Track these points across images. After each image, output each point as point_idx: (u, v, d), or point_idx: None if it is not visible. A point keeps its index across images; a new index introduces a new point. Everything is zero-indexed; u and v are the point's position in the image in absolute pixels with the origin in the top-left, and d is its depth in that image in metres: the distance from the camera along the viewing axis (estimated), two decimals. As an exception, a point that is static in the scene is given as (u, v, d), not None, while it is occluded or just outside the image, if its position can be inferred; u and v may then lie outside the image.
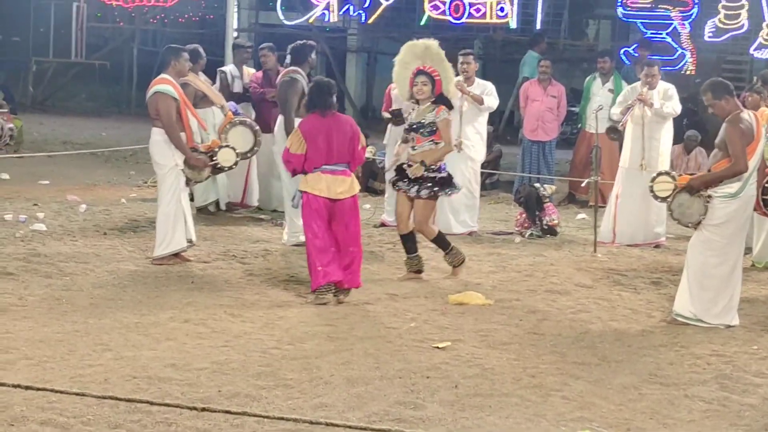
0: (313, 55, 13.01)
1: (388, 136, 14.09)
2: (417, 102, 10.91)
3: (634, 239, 13.25)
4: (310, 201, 9.79)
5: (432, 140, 10.76)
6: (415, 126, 10.81)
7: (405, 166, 10.87)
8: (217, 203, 14.34)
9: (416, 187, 10.73)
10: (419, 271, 11.02)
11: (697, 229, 9.47)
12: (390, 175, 11.39)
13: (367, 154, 16.28)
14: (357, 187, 9.95)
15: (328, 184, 9.77)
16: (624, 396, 7.42)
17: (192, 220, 11.37)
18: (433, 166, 10.75)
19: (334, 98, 10.02)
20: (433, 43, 11.09)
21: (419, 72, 10.83)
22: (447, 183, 10.87)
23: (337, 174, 9.81)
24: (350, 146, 9.88)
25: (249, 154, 12.45)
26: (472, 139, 13.53)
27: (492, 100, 13.72)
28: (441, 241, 11.09)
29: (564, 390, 7.47)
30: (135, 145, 18.81)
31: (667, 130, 13.37)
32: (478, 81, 13.75)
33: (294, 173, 10.13)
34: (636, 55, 17.48)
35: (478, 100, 13.38)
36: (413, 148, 10.82)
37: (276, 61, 14.19)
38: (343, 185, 9.81)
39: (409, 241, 11.01)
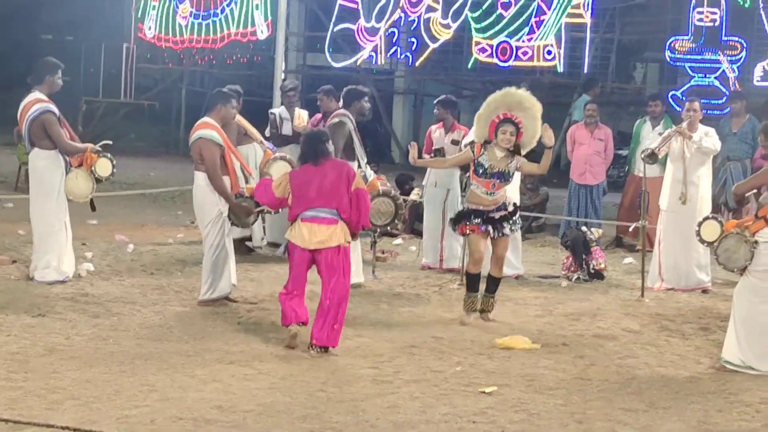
0: (364, 102, 12.86)
1: (427, 178, 14.15)
2: (488, 146, 10.88)
3: (678, 283, 13.17)
4: (291, 249, 9.64)
5: (508, 184, 11.08)
6: (499, 174, 10.80)
7: (483, 210, 10.88)
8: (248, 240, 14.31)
9: (508, 226, 10.89)
10: (475, 309, 11.02)
11: (743, 275, 9.43)
12: (452, 219, 11.32)
13: (413, 196, 16.37)
14: (341, 237, 9.46)
15: (307, 232, 9.43)
16: (672, 443, 7.36)
17: (234, 263, 11.39)
18: (506, 202, 10.99)
19: (326, 146, 9.71)
20: (528, 95, 10.99)
21: (507, 120, 10.77)
22: (515, 213, 11.08)
23: (319, 221, 9.44)
24: (337, 191, 9.49)
25: None
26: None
27: None
28: (498, 282, 11.16)
29: (611, 437, 7.42)
30: (183, 186, 18.91)
31: (707, 173, 13.31)
32: None
33: (259, 200, 10.18)
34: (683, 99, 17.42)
35: None
36: (492, 193, 10.85)
37: (330, 104, 14.06)
38: (323, 234, 9.41)
39: (478, 281, 11.03)
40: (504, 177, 10.85)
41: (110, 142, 12.28)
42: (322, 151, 9.66)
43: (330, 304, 9.42)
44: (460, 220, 11.05)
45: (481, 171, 10.87)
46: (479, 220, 10.88)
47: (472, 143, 11.23)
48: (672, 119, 15.88)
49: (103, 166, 11.86)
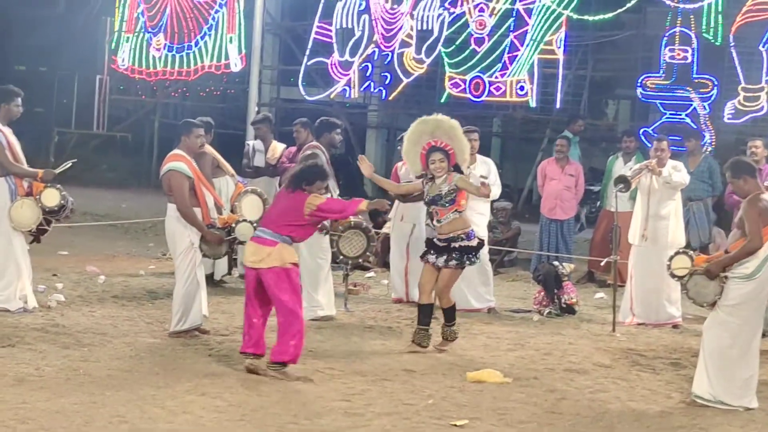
0: (335, 134, 12.97)
1: (394, 212, 14.26)
2: (432, 178, 10.98)
3: (649, 318, 13.22)
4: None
5: (455, 209, 10.91)
6: (435, 199, 10.90)
7: (435, 240, 11.00)
8: (212, 275, 14.19)
9: (444, 257, 10.86)
10: (424, 346, 11.04)
11: (713, 310, 9.46)
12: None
13: (386, 230, 16.38)
14: (277, 260, 9.63)
15: (247, 250, 9.86)
16: (643, 478, 7.36)
17: (205, 294, 11.38)
18: (462, 234, 10.90)
19: (308, 185, 9.83)
20: (444, 117, 11.14)
21: (433, 149, 10.94)
22: (474, 250, 10.98)
23: (258, 241, 9.74)
24: (283, 217, 9.76)
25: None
26: (475, 219, 13.31)
27: (496, 190, 13.57)
28: (452, 312, 11.19)
29: (582, 470, 7.41)
30: (154, 218, 18.88)
31: (676, 207, 13.38)
32: (480, 158, 13.75)
33: None
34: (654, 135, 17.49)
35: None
36: (438, 221, 10.91)
37: (307, 136, 14.03)
38: (258, 254, 9.66)
39: (427, 314, 11.06)
40: (438, 200, 10.89)
41: (74, 160, 12.21)
42: (299, 186, 9.84)
43: (279, 322, 9.68)
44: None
45: (424, 201, 11.09)
46: (426, 250, 11.05)
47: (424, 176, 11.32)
48: (644, 155, 15.94)
49: (49, 196, 11.76)
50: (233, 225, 11.27)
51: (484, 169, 13.54)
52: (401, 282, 14.04)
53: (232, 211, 12.21)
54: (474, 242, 11.05)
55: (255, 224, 11.31)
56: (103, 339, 10.72)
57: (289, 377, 9.52)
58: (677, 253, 10.10)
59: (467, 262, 11.04)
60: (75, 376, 9.24)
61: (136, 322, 11.67)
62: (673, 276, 10.03)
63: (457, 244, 10.92)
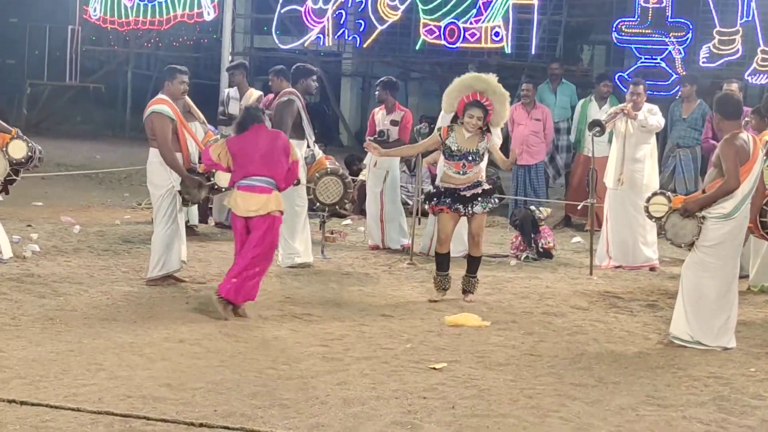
0: (311, 80, 12.90)
1: (368, 159, 14.30)
2: (449, 126, 10.95)
3: (626, 261, 13.24)
4: (231, 217, 10.17)
5: (481, 161, 10.99)
6: (466, 154, 10.80)
7: (459, 191, 10.86)
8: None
9: (480, 204, 10.82)
10: (446, 288, 11.07)
11: (691, 251, 9.45)
12: (424, 198, 11.47)
13: (362, 177, 16.34)
14: (273, 206, 9.78)
15: (242, 201, 9.79)
16: (621, 417, 7.36)
17: (185, 241, 11.34)
18: (484, 178, 11.05)
19: (262, 115, 10.13)
20: (499, 85, 11.09)
21: (475, 103, 10.83)
22: (492, 192, 11.06)
23: (253, 191, 9.77)
24: (275, 160, 9.86)
25: None
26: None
27: (498, 141, 13.63)
28: (478, 263, 11.17)
29: (561, 411, 7.42)
30: (129, 167, 18.82)
31: (650, 150, 13.37)
32: None
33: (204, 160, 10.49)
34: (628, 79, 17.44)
35: None
36: (463, 173, 10.84)
37: (282, 84, 13.93)
38: (257, 203, 9.74)
39: (447, 260, 11.07)
40: (473, 157, 10.83)
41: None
42: (258, 118, 9.99)
43: (247, 266, 9.71)
44: (431, 199, 11.05)
45: (448, 154, 10.92)
46: (449, 199, 10.89)
47: (440, 128, 11.27)
48: (618, 100, 15.91)
49: (16, 148, 11.56)
50: (213, 171, 11.19)
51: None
52: (377, 229, 14.03)
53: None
54: (491, 185, 11.17)
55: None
56: (79, 288, 10.67)
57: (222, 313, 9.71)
58: (655, 195, 10.10)
59: (491, 204, 11.05)
60: (51, 325, 9.19)
61: (112, 271, 11.63)
62: (650, 217, 10.04)
63: (484, 188, 10.90)
